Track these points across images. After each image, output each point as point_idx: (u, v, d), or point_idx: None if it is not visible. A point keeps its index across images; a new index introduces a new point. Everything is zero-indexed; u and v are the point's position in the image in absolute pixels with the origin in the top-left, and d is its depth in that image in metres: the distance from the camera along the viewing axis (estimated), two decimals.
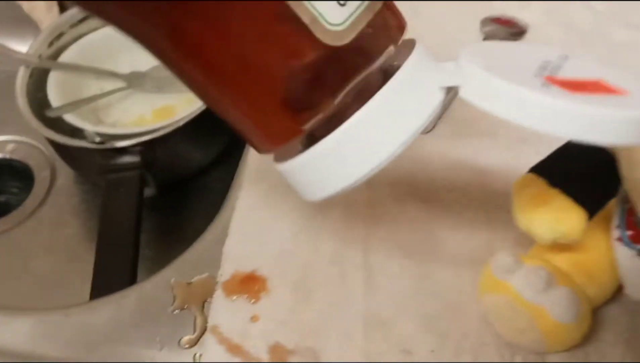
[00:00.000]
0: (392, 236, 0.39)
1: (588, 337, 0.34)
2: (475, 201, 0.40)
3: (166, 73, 0.64)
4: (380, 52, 0.23)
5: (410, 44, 0.23)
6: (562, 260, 0.34)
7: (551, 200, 0.31)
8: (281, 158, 0.24)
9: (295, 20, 0.19)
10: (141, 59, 0.66)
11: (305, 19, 0.19)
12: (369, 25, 0.21)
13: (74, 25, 0.66)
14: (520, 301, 0.32)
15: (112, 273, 0.48)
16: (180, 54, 0.22)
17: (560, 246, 0.33)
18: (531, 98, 0.20)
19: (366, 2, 0.21)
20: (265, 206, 0.40)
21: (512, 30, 0.52)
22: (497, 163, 0.42)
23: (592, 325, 0.34)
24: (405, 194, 0.41)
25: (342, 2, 0.20)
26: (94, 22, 0.67)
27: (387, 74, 0.22)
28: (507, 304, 0.32)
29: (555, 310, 0.31)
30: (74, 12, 0.66)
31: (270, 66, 0.21)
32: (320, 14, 0.19)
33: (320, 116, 0.22)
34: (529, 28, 0.53)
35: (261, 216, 0.39)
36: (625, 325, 0.35)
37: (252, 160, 0.42)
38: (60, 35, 0.65)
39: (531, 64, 0.22)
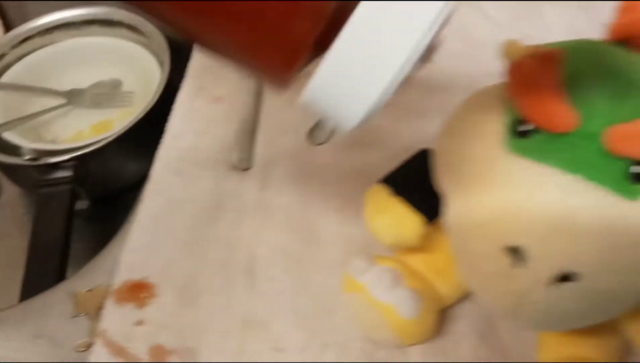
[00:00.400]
0: (277, 242, 0.42)
1: (446, 330, 0.38)
2: (358, 208, 0.43)
3: (104, 89, 0.68)
4: None
5: None
6: (416, 260, 0.37)
7: (393, 208, 0.34)
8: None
9: None
10: (81, 77, 0.70)
11: None
12: None
13: (15, 46, 0.69)
14: (371, 300, 0.35)
15: (40, 283, 0.51)
16: None
17: (416, 247, 0.36)
18: None
19: None
20: (161, 217, 0.43)
21: None
22: (383, 172, 0.45)
23: (447, 320, 0.37)
24: (294, 201, 0.44)
25: None
26: (35, 42, 0.70)
27: None
28: (362, 302, 0.36)
29: (400, 307, 0.34)
30: (16, 32, 0.70)
31: None
32: None
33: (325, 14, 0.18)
34: None
35: (156, 227, 0.43)
36: (480, 319, 0.38)
37: (155, 174, 0.46)
38: (1, 56, 0.68)
39: None
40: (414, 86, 0.50)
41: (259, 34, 0.19)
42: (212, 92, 0.50)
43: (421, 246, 0.36)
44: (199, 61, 0.54)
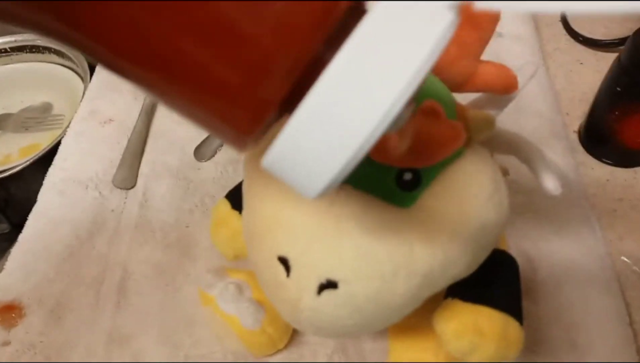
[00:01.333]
0: (152, 258, 0.43)
1: (305, 340, 0.38)
2: None
3: (34, 113, 0.69)
4: None
5: None
6: None
7: (231, 222, 0.35)
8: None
9: None
10: (13, 102, 0.72)
11: None
12: None
13: None
14: (218, 311, 0.36)
15: None
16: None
17: None
18: None
19: None
20: (42, 238, 0.44)
21: None
22: None
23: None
24: (173, 218, 0.45)
25: None
26: None
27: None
28: (213, 314, 0.36)
29: (242, 318, 0.35)
30: None
31: (230, 21, 0.15)
32: None
33: (294, 75, 0.16)
34: None
35: (36, 247, 0.44)
36: None
37: (41, 195, 0.47)
38: None
39: None
40: None
41: (219, 94, 0.16)
42: (104, 114, 0.52)
43: None
44: (95, 84, 0.55)
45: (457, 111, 0.27)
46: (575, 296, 0.38)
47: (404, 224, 0.25)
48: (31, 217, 0.45)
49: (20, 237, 0.44)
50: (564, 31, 0.54)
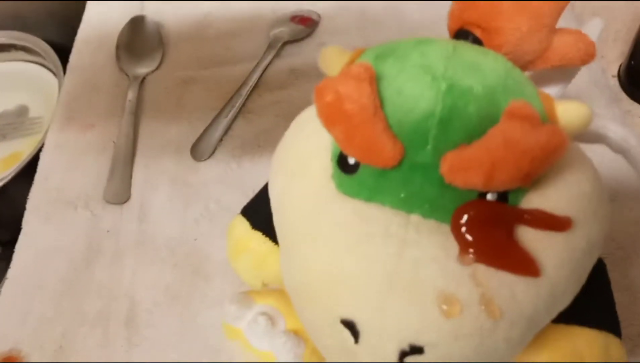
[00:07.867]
0: (160, 282, 0.35)
1: None
2: None
3: (10, 119, 0.59)
4: None
5: None
6: None
7: (253, 245, 0.27)
8: None
9: None
10: None
11: None
12: None
13: None
14: (250, 348, 0.29)
15: None
16: None
17: None
18: None
19: None
20: (33, 273, 0.36)
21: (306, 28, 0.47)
22: None
23: None
24: (177, 231, 0.37)
25: None
26: None
27: None
28: (243, 349, 0.29)
29: (279, 353, 0.28)
30: None
31: None
32: None
33: None
34: (321, 19, 0.48)
35: (28, 284, 0.36)
36: None
37: (25, 224, 0.38)
38: None
39: None
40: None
41: None
42: (83, 119, 0.43)
43: None
44: (68, 86, 0.45)
45: (545, 106, 0.19)
46: None
47: None
48: (17, 250, 0.37)
49: (9, 274, 0.36)
50: None
